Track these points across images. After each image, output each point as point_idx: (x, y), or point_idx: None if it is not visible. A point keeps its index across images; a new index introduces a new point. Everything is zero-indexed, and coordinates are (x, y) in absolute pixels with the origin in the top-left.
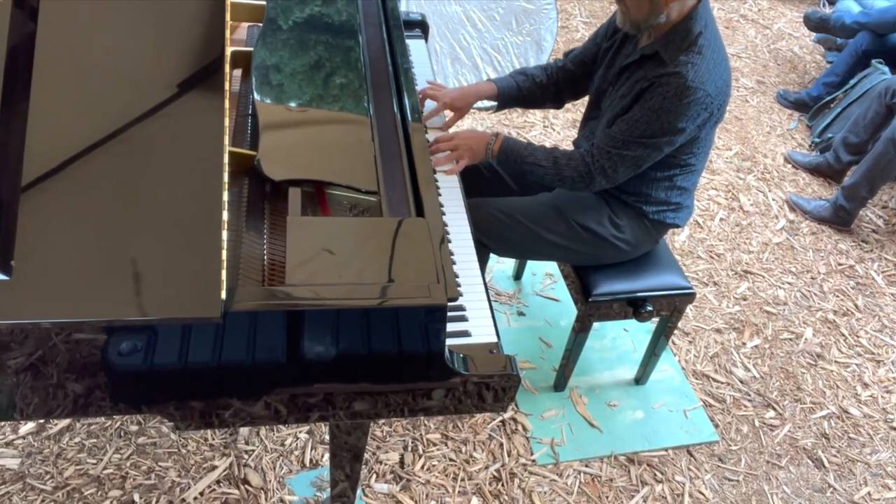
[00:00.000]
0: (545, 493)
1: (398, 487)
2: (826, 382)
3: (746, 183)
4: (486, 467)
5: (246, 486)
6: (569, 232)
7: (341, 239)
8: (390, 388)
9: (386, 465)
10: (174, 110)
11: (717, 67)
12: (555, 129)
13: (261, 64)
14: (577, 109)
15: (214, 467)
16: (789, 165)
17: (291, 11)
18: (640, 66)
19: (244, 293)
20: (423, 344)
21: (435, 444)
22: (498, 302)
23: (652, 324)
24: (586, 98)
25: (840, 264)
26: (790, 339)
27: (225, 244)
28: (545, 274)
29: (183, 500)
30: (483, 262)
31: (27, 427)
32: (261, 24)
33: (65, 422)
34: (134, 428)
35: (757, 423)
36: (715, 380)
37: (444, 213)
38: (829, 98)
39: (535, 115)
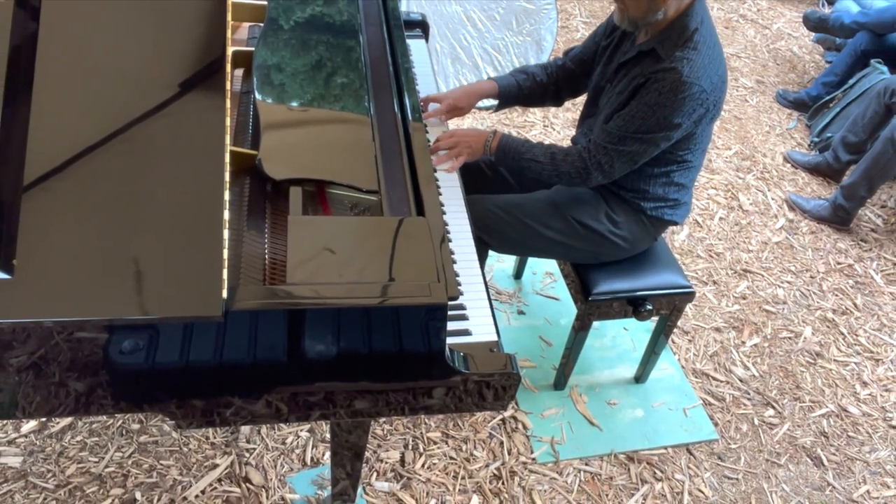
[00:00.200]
0: (545, 491)
1: (399, 486)
2: (825, 381)
3: (746, 182)
4: (487, 466)
5: (247, 484)
6: (566, 228)
7: (342, 238)
8: (391, 387)
9: (387, 463)
10: (176, 110)
11: (712, 63)
12: (555, 128)
13: (262, 64)
14: (576, 108)
15: (216, 465)
16: (788, 165)
17: (292, 11)
18: (637, 62)
19: (245, 292)
20: (424, 343)
21: (435, 443)
22: (498, 301)
23: (652, 322)
24: (585, 96)
25: (839, 263)
26: (789, 338)
27: (226, 243)
28: (545, 273)
29: (184, 498)
30: (482, 259)
31: (29, 425)
32: (262, 24)
33: (67, 420)
34: (136, 426)
35: (756, 422)
36: (714, 378)
37: (444, 213)
38: (828, 98)
39: (536, 114)
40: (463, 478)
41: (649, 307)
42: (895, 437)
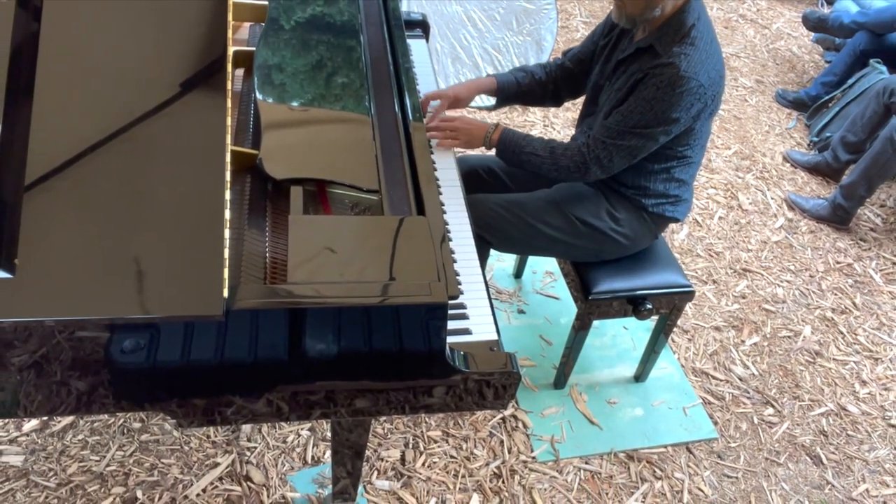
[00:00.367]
0: (545, 489)
1: (399, 484)
2: (824, 380)
3: (745, 182)
4: (487, 464)
5: (248, 482)
6: (567, 226)
7: (343, 237)
8: (391, 386)
9: (387, 461)
10: (177, 109)
11: (710, 58)
12: (555, 127)
13: (263, 63)
14: (576, 108)
15: (217, 464)
16: (788, 164)
17: (293, 11)
18: (635, 59)
19: (246, 291)
20: (424, 342)
21: (436, 441)
22: (498, 300)
23: (651, 322)
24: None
25: (838, 262)
26: (789, 337)
27: (227, 242)
28: (545, 272)
29: (186, 496)
30: (483, 258)
31: (31, 424)
32: (263, 24)
33: (68, 419)
34: (137, 425)
35: (756, 421)
36: (714, 377)
37: (444, 212)
38: (827, 97)
39: (536, 114)
40: (463, 476)
41: (649, 306)
42: (894, 436)
